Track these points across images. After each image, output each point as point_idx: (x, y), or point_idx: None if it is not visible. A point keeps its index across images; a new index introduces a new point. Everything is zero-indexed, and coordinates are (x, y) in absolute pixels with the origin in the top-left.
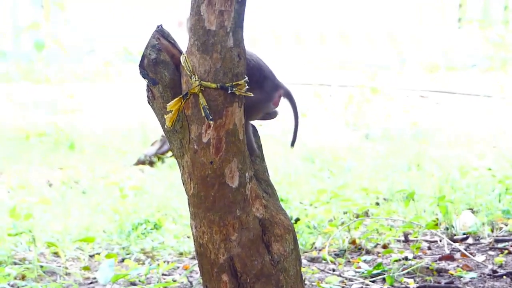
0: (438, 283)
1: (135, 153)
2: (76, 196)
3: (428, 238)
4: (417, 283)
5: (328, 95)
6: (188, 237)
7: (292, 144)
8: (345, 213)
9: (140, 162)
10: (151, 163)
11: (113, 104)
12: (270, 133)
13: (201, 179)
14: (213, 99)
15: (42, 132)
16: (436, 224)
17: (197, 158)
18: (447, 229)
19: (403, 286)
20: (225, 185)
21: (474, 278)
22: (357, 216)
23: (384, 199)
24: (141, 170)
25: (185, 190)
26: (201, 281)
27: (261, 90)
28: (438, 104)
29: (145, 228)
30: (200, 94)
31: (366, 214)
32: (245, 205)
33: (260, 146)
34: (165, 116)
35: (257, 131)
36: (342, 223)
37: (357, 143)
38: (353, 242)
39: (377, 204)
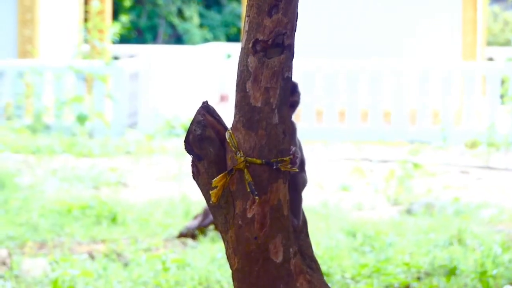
0: None
1: (177, 226)
2: (118, 269)
3: None
4: None
5: (369, 170)
6: None
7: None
8: (387, 287)
9: (182, 235)
10: (193, 236)
11: (155, 177)
12: (312, 206)
13: (245, 254)
14: (258, 175)
15: (85, 205)
16: None
17: (242, 233)
18: None
19: None
20: (269, 260)
21: None
22: None
23: (426, 274)
24: (183, 243)
25: (230, 264)
26: None
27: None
28: (479, 180)
29: None
30: (246, 170)
31: None
32: (289, 280)
33: (305, 222)
34: (210, 192)
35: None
36: None
37: (399, 218)
38: None
39: (418, 278)
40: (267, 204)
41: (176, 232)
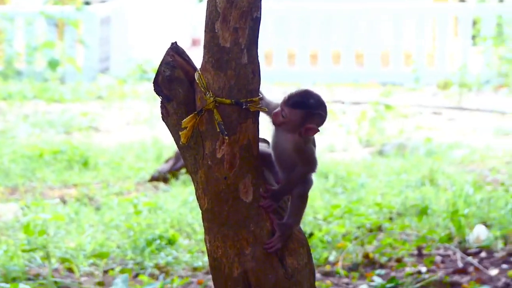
0: None
1: (149, 170)
2: (90, 212)
3: (441, 252)
4: None
5: (341, 112)
6: (202, 252)
7: None
8: (358, 228)
9: (154, 179)
10: (165, 180)
11: (127, 122)
12: None
13: (215, 194)
14: (227, 115)
15: (57, 150)
16: (450, 238)
17: (211, 173)
18: (460, 243)
19: None
20: (239, 200)
21: None
22: (371, 231)
23: (398, 214)
24: (155, 187)
25: (199, 205)
26: None
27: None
28: (451, 121)
29: (159, 244)
30: (215, 110)
31: (380, 229)
32: (259, 219)
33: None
34: (180, 133)
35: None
36: (356, 238)
37: (371, 159)
38: (366, 256)
39: (391, 219)
40: (236, 144)
41: (147, 176)
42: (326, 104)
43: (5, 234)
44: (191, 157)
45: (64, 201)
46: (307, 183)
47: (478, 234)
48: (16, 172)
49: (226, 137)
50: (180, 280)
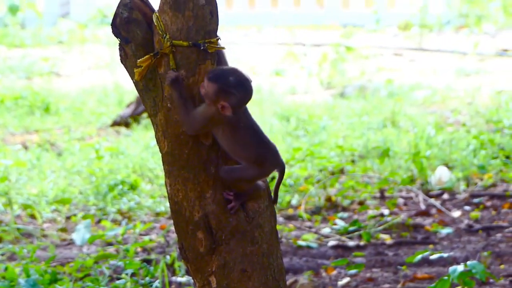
0: (414, 238)
1: (111, 115)
2: (52, 158)
3: (403, 194)
4: (394, 239)
5: (302, 54)
6: (165, 197)
7: (275, 201)
8: (320, 171)
9: (116, 124)
10: (127, 125)
11: (88, 66)
12: None
13: (175, 137)
14: (186, 56)
15: (18, 95)
16: (412, 180)
17: (171, 116)
18: (423, 185)
19: (380, 242)
20: (199, 143)
21: (450, 233)
22: (333, 174)
23: (360, 156)
24: (117, 132)
25: (159, 148)
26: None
27: (263, 167)
28: (412, 62)
29: (121, 189)
30: (171, 56)
31: (342, 171)
32: (219, 162)
33: None
34: (135, 70)
35: None
36: (318, 181)
37: (332, 101)
38: (329, 199)
39: (353, 161)
40: (195, 86)
41: (109, 121)
42: (250, 89)
43: None
44: (151, 100)
45: (25, 147)
46: (246, 170)
47: (440, 176)
48: None
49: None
50: (143, 225)
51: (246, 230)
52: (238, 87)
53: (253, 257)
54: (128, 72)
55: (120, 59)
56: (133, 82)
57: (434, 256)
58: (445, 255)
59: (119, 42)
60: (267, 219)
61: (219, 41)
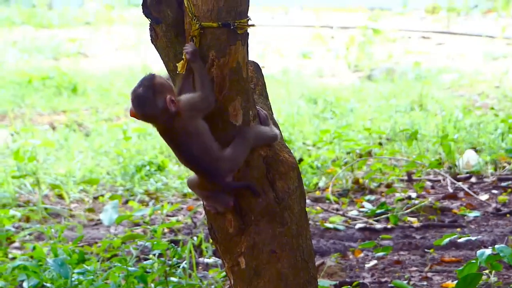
0: (442, 221)
1: None
2: (80, 139)
3: (431, 177)
4: (421, 222)
5: (329, 36)
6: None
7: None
8: (348, 153)
9: None
10: None
11: (115, 47)
12: (272, 73)
13: (205, 118)
14: (216, 37)
15: (45, 75)
16: (439, 163)
17: None
18: (450, 168)
19: (407, 225)
20: (228, 123)
21: (477, 216)
22: (360, 156)
23: (387, 139)
24: None
25: None
26: (205, 221)
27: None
28: (440, 45)
29: (148, 170)
30: (198, 38)
31: (369, 154)
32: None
33: (264, 85)
34: (177, 64)
35: (260, 68)
36: (346, 163)
37: (360, 84)
38: (356, 182)
39: (380, 144)
40: (226, 67)
41: None
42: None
43: None
44: (180, 81)
45: (53, 127)
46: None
47: (468, 159)
48: (5, 98)
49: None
50: (170, 206)
51: (275, 211)
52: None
53: (282, 238)
54: (159, 53)
55: (151, 39)
56: (164, 62)
57: (462, 240)
58: (472, 238)
59: (149, 22)
60: (297, 200)
61: (249, 22)
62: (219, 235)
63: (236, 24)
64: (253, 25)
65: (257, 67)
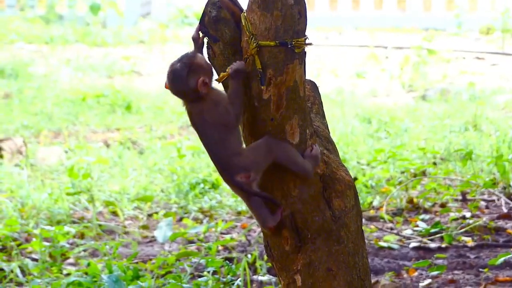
0: (496, 241)
1: None
2: (134, 156)
3: (485, 197)
4: (475, 241)
5: (384, 56)
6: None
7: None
8: (402, 172)
9: None
10: None
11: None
12: (327, 93)
13: (262, 136)
14: (274, 56)
15: (99, 93)
16: (494, 183)
17: (258, 115)
18: (505, 188)
19: (461, 244)
20: (286, 141)
21: None
22: (415, 176)
23: (441, 159)
24: None
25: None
26: (260, 239)
27: None
28: (494, 66)
29: (202, 188)
30: (256, 57)
31: (424, 173)
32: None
33: (320, 103)
34: (220, 74)
35: (317, 87)
36: (400, 182)
37: (414, 104)
38: (410, 201)
39: (434, 164)
40: (283, 85)
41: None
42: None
43: (49, 178)
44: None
45: (107, 145)
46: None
47: None
48: (59, 116)
49: (263, 87)
50: (225, 224)
51: (331, 229)
52: None
53: (339, 256)
54: (216, 71)
55: (208, 57)
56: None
57: None
58: None
59: (207, 41)
60: (353, 218)
61: (306, 40)
62: (275, 253)
63: (293, 42)
64: (310, 44)
65: (314, 86)
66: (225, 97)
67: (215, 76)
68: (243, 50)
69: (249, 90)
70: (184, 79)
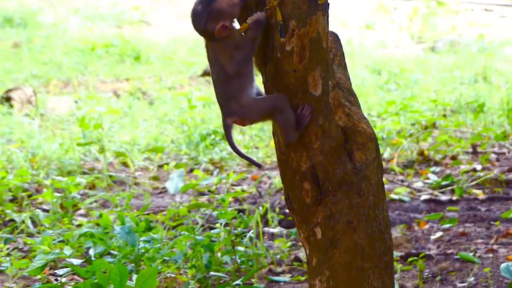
0: (507, 194)
1: (201, 65)
2: (144, 106)
3: (496, 149)
4: (486, 194)
5: (393, 8)
6: (257, 148)
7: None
8: (413, 124)
9: (207, 73)
10: None
11: (178, 16)
12: None
13: (284, 87)
14: (297, 7)
15: (108, 43)
16: (505, 136)
17: (281, 66)
18: None
19: (472, 197)
20: (308, 93)
21: None
22: (426, 128)
23: (452, 111)
24: (208, 81)
25: None
26: (270, 191)
27: None
28: (503, 18)
29: (213, 139)
30: (277, 9)
31: (434, 125)
32: (327, 113)
33: (342, 55)
34: (241, 26)
35: (339, 39)
36: (411, 135)
37: (423, 55)
38: (421, 153)
39: (444, 116)
40: (306, 37)
41: (200, 71)
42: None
43: (59, 128)
44: (260, 50)
45: (117, 95)
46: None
47: None
48: (68, 66)
49: (282, 39)
50: (236, 176)
51: (352, 182)
52: None
53: (359, 209)
54: (239, 23)
55: None
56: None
57: None
58: None
59: None
60: (374, 171)
61: None
62: (295, 205)
63: None
64: None
65: (336, 38)
66: (242, 39)
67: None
68: (266, 1)
69: (272, 41)
70: (203, 23)
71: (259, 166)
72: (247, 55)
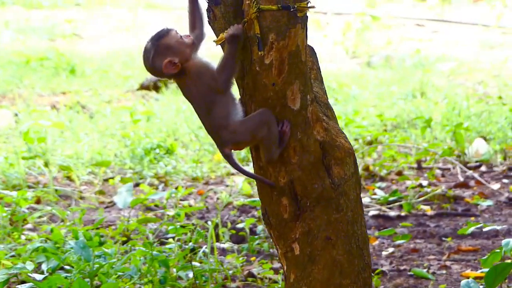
0: (455, 210)
1: (137, 78)
2: (84, 120)
3: (441, 165)
4: (434, 210)
5: (325, 22)
6: (201, 162)
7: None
8: (356, 139)
9: (144, 87)
10: (156, 88)
11: (110, 29)
12: None
13: (263, 101)
14: (276, 20)
15: (43, 56)
16: (451, 152)
17: (259, 79)
18: (459, 156)
19: (420, 213)
20: (286, 107)
21: (490, 205)
22: (370, 143)
23: (394, 126)
24: (144, 96)
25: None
26: (217, 205)
27: None
28: (435, 33)
29: (157, 153)
30: (255, 21)
31: (376, 140)
32: (306, 127)
33: (319, 69)
34: (220, 35)
35: (315, 52)
36: (355, 150)
37: (360, 70)
38: (366, 168)
39: (385, 131)
40: (285, 50)
41: (136, 85)
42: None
43: (0, 141)
44: (238, 63)
45: (56, 109)
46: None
47: (477, 148)
48: (3, 79)
49: (260, 52)
50: (184, 190)
51: (331, 197)
52: None
53: (338, 224)
54: (215, 34)
55: (208, 21)
56: (220, 45)
57: (486, 228)
58: (498, 227)
59: (208, 3)
60: (352, 186)
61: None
62: (273, 220)
63: (296, 6)
64: (313, 7)
65: (312, 51)
66: (209, 66)
67: (184, 55)
68: (244, 13)
69: (250, 54)
70: (150, 61)
71: (272, 184)
72: (231, 71)
